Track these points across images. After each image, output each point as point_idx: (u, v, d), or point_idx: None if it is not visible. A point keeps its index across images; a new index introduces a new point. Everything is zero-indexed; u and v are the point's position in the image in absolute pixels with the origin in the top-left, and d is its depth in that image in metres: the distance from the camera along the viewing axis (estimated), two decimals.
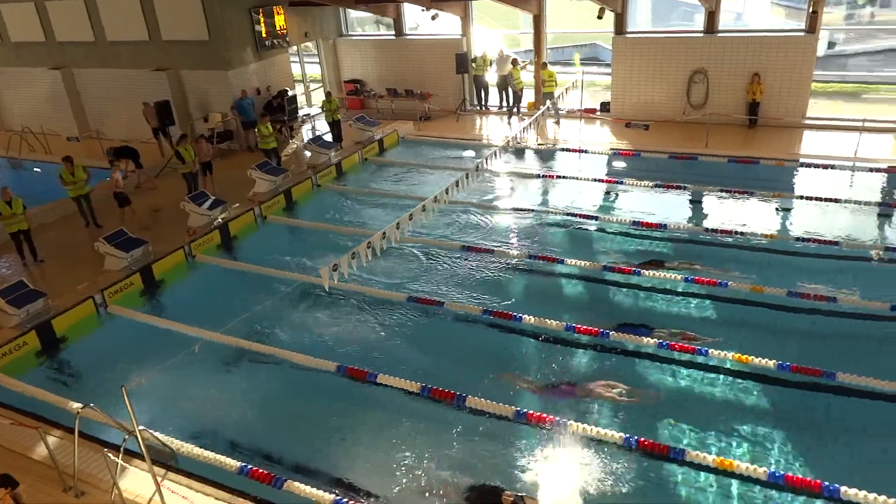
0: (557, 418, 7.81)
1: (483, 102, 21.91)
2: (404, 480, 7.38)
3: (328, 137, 18.76)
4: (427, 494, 7.15)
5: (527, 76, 20.63)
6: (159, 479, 6.69)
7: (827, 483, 6.58)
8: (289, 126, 20.16)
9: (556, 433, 7.69)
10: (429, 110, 21.50)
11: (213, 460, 7.65)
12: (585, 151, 17.44)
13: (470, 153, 18.14)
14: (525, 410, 7.98)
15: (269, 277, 11.82)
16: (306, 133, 20.83)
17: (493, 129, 20.23)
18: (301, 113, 21.72)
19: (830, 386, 8.12)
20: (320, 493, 7.04)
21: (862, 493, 6.44)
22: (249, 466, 7.44)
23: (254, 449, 8.06)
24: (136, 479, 7.45)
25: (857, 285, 10.26)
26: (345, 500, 6.90)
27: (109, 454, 6.88)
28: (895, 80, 17.64)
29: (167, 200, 15.41)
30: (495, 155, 13.65)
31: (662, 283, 10.77)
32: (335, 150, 17.88)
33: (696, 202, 14.37)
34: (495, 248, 12.38)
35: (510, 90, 20.79)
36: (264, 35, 19.43)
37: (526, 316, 9.95)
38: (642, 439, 7.38)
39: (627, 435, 7.45)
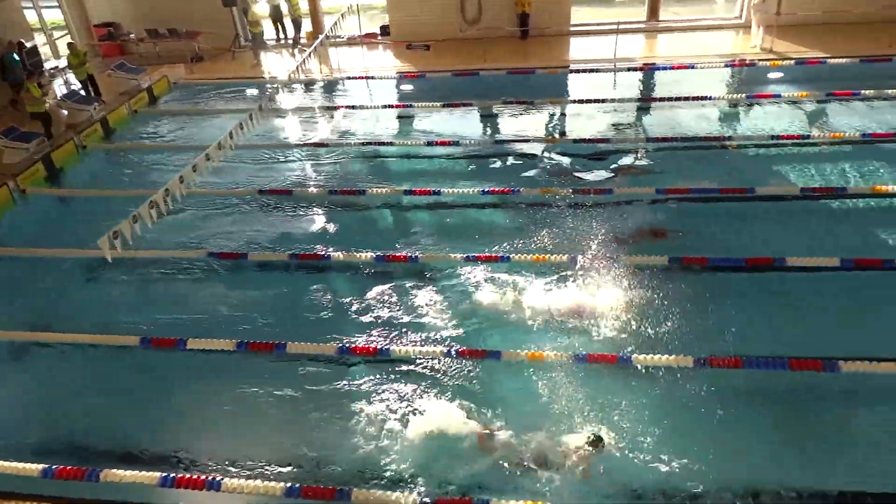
0: (381, 346, 7.88)
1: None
2: (240, 444, 7.10)
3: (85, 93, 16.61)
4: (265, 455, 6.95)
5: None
6: None
7: (621, 354, 7.35)
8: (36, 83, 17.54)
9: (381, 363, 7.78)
10: (200, 50, 19.80)
11: (9, 469, 6.77)
12: (372, 78, 17.21)
13: (253, 92, 17.11)
14: (348, 345, 7.95)
15: (39, 259, 10.42)
16: (59, 89, 18.26)
17: (274, 63, 19.20)
18: (47, 66, 18.96)
19: None
20: (146, 473, 6.53)
21: (652, 357, 7.27)
22: (55, 467, 6.69)
23: (61, 448, 7.25)
24: None
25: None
26: (171, 474, 6.48)
27: None
28: None
29: None
30: (279, 91, 12.99)
31: (464, 199, 11.10)
32: (96, 105, 15.87)
33: (485, 116, 14.87)
34: (294, 189, 11.94)
35: (286, 20, 19.75)
36: None
37: (334, 252, 9.80)
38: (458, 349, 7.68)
39: (448, 347, 7.72)
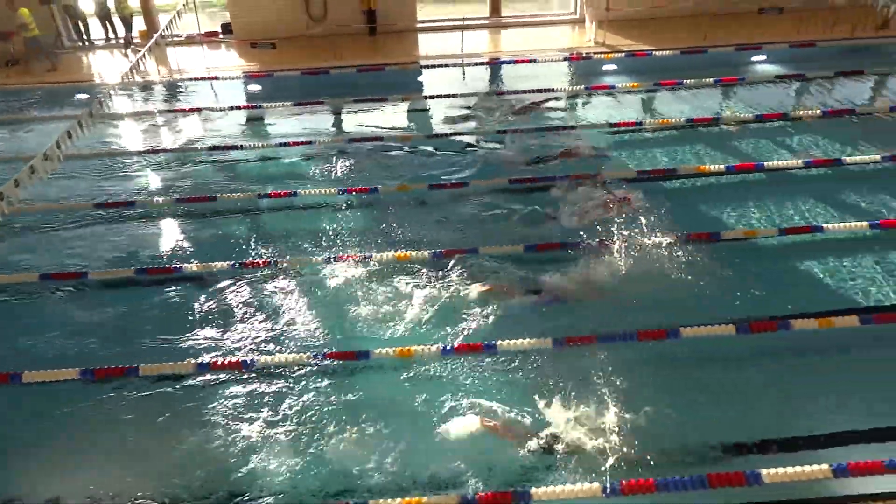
0: (245, 359, 7.57)
1: (85, 36, 19.01)
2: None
3: None
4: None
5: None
6: None
7: (486, 342, 7.57)
8: None
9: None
10: (15, 52, 17.93)
11: None
12: (216, 78, 16.44)
13: (82, 97, 15.77)
14: (209, 361, 7.56)
15: None
16: None
17: (104, 65, 17.80)
18: None
19: None
20: None
21: (514, 342, 7.55)
22: None
23: None
24: None
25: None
26: None
27: None
28: None
29: None
30: (112, 95, 12.06)
31: (322, 200, 10.91)
32: None
33: (336, 114, 14.69)
34: (136, 200, 11.15)
35: (116, 18, 18.37)
36: None
37: (187, 265, 9.28)
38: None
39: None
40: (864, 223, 9.48)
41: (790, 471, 5.89)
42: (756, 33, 17.15)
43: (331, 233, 10.00)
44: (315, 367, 7.47)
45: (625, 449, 6.28)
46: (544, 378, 7.13)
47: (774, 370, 7.41)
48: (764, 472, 5.87)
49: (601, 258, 8.88)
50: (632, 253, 8.86)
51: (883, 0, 15.29)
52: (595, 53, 16.75)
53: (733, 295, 8.45)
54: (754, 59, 16.40)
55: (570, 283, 8.53)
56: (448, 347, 7.51)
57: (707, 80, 14.73)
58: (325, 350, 7.64)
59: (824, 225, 9.47)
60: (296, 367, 7.50)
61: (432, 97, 14.81)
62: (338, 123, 14.44)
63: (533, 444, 6.38)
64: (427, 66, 16.59)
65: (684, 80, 14.70)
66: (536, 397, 6.88)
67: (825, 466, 5.91)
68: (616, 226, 9.41)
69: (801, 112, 13.08)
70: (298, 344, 7.88)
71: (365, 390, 7.23)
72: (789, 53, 16.17)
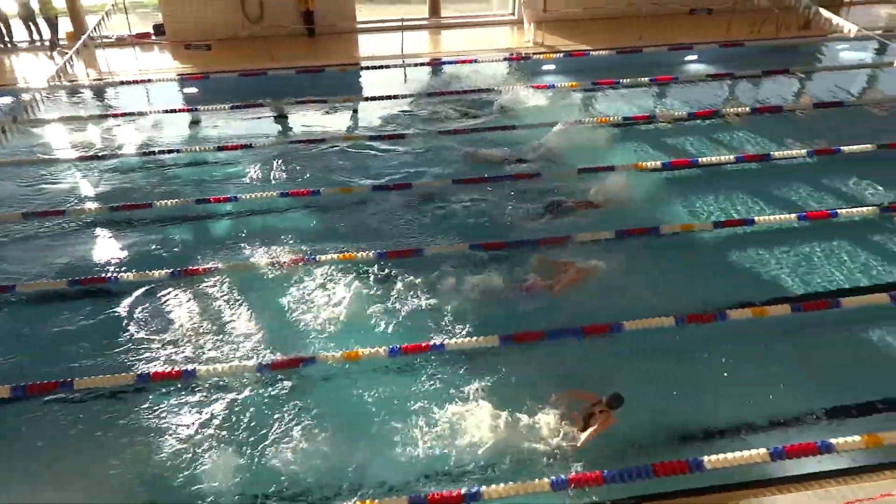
0: (185, 369, 7.36)
1: (7, 38, 18.18)
2: None
3: None
4: None
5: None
6: None
7: (434, 342, 7.58)
8: None
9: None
10: None
11: None
12: (149, 81, 15.94)
13: (6, 101, 15.04)
14: (148, 371, 7.33)
15: None
16: None
17: (29, 68, 17.06)
18: None
19: None
20: None
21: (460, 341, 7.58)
22: None
23: None
24: None
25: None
26: None
27: None
28: None
29: None
30: (38, 99, 11.55)
31: (263, 204, 10.70)
32: None
33: (278, 117, 14.45)
34: (67, 209, 10.71)
35: (40, 19, 17.62)
36: None
37: (122, 275, 8.97)
38: None
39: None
40: (793, 215, 9.90)
41: (730, 457, 6.10)
42: (687, 33, 17.69)
43: (272, 237, 9.81)
44: (257, 376, 7.34)
45: (571, 443, 6.40)
46: (490, 375, 7.19)
47: (713, 360, 7.66)
48: (706, 459, 6.07)
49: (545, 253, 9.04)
50: (573, 254, 9.03)
51: (805, 1, 15.97)
52: (534, 54, 16.95)
53: (673, 288, 8.72)
54: (687, 58, 16.91)
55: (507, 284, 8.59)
56: (396, 348, 7.48)
57: (643, 79, 15.09)
58: (269, 357, 7.51)
59: (755, 218, 9.84)
60: (239, 374, 7.35)
61: (373, 98, 14.69)
62: (278, 126, 14.19)
63: (469, 440, 6.44)
64: (367, 68, 16.47)
65: (621, 80, 15.02)
66: (479, 393, 6.94)
67: (763, 451, 6.14)
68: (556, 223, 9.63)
69: (732, 109, 13.55)
70: (240, 352, 7.72)
71: (308, 396, 7.15)
72: (719, 53, 16.74)
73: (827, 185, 10.89)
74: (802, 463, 6.21)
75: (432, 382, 7.22)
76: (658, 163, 11.50)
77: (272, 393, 7.18)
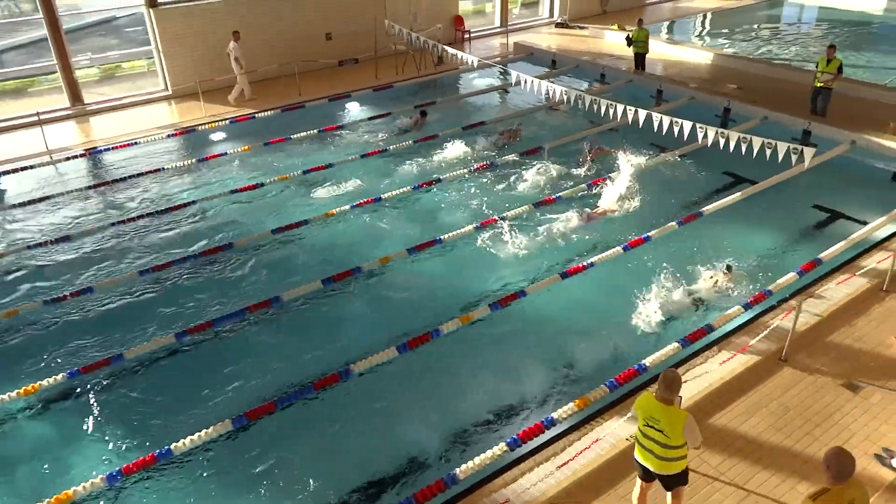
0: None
1: None
2: None
3: None
4: None
5: None
6: None
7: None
8: None
9: None
10: None
11: None
12: None
13: None
14: None
15: None
16: None
17: None
18: None
19: None
20: None
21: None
22: None
23: None
24: None
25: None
26: None
27: None
28: (51, 70, 18.08)
29: None
30: None
31: None
32: None
33: None
34: None
35: None
36: None
37: None
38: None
39: None
40: (471, 227, 11.07)
41: (478, 461, 6.58)
42: (343, 83, 18.80)
43: None
44: None
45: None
46: None
47: (435, 378, 8.22)
48: (457, 470, 6.44)
49: None
50: None
51: (432, 42, 18.07)
52: (199, 125, 16.40)
53: (387, 319, 9.15)
54: (347, 105, 17.94)
55: None
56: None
57: (311, 131, 15.57)
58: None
59: (442, 237, 10.79)
60: None
61: (17, 205, 12.79)
62: None
63: None
64: (5, 172, 14.25)
65: (291, 136, 15.29)
66: None
67: (502, 445, 6.72)
68: None
69: (396, 145, 14.74)
70: None
71: None
72: (374, 96, 18.09)
73: None
74: (535, 441, 6.93)
75: None
76: (347, 206, 11.98)
77: None
